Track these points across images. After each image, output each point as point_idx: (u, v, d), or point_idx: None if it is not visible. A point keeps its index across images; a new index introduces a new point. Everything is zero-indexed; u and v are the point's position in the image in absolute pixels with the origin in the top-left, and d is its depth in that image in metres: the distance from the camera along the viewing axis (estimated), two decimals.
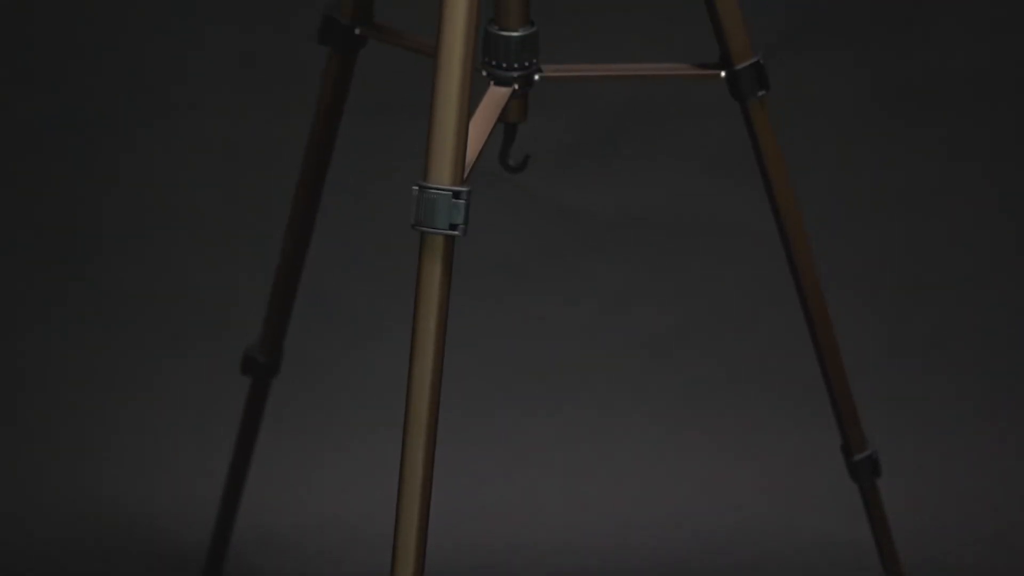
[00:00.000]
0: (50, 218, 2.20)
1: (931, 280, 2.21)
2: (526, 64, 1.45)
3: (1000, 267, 2.22)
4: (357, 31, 1.57)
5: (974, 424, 2.10)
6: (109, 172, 2.23)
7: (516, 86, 1.45)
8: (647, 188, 2.24)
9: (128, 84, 2.30)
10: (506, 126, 1.52)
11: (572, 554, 1.94)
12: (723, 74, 1.52)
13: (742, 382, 2.14)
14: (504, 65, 1.44)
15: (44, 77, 2.30)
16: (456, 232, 1.27)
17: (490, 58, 1.45)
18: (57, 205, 2.21)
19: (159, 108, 2.28)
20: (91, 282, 2.16)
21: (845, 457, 1.69)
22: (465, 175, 1.28)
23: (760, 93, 1.53)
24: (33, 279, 2.16)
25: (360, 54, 1.60)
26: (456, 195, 1.26)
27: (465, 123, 1.27)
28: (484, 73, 1.45)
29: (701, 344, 2.17)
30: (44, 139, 2.25)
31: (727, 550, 1.94)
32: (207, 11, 2.35)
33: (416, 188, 1.27)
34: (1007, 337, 2.18)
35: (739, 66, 1.51)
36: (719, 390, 2.13)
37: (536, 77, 1.46)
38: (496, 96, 1.43)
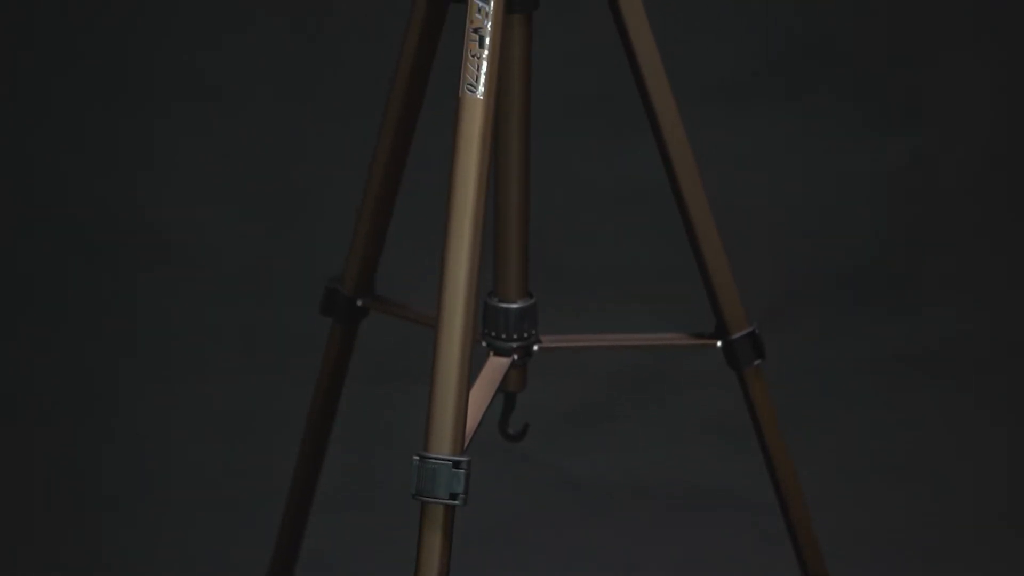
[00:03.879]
0: (48, 481, 2.20)
1: (930, 546, 2.20)
2: (525, 335, 1.47)
3: (1000, 533, 2.22)
4: (359, 303, 1.59)
5: None
6: (109, 437, 2.24)
7: (515, 356, 1.46)
8: (646, 455, 2.24)
9: (129, 352, 2.32)
10: (506, 395, 1.54)
11: None
12: (719, 344, 1.54)
13: None
14: (503, 336, 1.46)
15: (45, 339, 2.33)
16: (456, 501, 1.27)
17: (489, 329, 1.47)
18: (56, 468, 2.21)
19: (161, 374, 2.30)
20: (89, 545, 2.15)
21: None
22: (465, 444, 1.29)
23: (756, 362, 1.54)
24: (31, 541, 2.15)
25: (362, 322, 1.63)
26: (456, 465, 1.27)
27: (465, 394, 1.28)
28: (484, 344, 1.47)
29: None
30: (46, 399, 2.27)
31: None
32: (211, 281, 2.38)
33: (417, 458, 1.28)
34: None
35: (734, 336, 1.53)
36: None
37: (535, 348, 1.48)
38: (495, 366, 1.45)
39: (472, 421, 1.32)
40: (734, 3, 2.50)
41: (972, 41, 2.54)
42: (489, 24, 1.29)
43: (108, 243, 2.41)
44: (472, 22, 1.30)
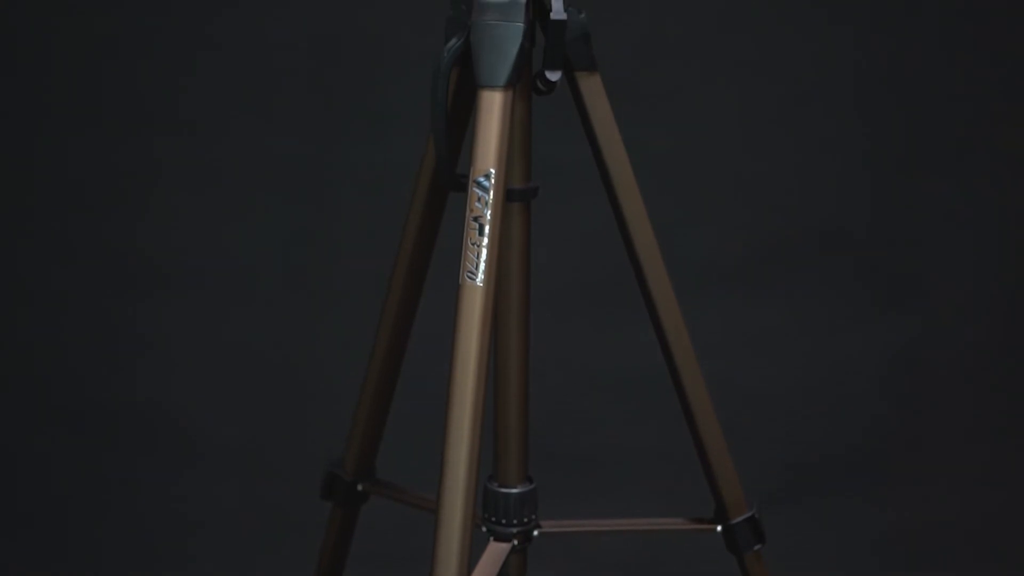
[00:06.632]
0: None
1: None
2: (525, 520, 1.47)
3: None
4: (360, 487, 1.59)
5: None
6: None
7: (515, 541, 1.46)
8: None
9: (130, 537, 2.32)
10: None
11: None
12: (719, 528, 1.54)
13: None
14: (503, 521, 1.46)
15: (46, 519, 2.32)
16: None
17: (489, 514, 1.47)
18: None
19: (162, 560, 2.29)
20: None
21: None
22: None
23: (756, 547, 1.54)
24: None
25: (362, 506, 1.63)
26: None
27: None
28: (484, 528, 1.47)
29: None
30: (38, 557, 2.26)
31: None
32: (211, 464, 2.38)
33: None
34: None
35: (734, 520, 1.53)
36: None
37: (535, 532, 1.48)
38: (496, 551, 1.45)
39: None
40: (730, 189, 2.53)
41: (967, 225, 2.56)
42: (488, 213, 1.31)
43: (106, 423, 2.42)
44: (472, 211, 1.32)
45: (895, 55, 2.53)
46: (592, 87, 1.42)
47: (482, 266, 1.31)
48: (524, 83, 1.38)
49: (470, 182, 1.33)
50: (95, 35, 2.46)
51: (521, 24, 1.35)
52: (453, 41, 1.36)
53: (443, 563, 1.28)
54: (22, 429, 2.42)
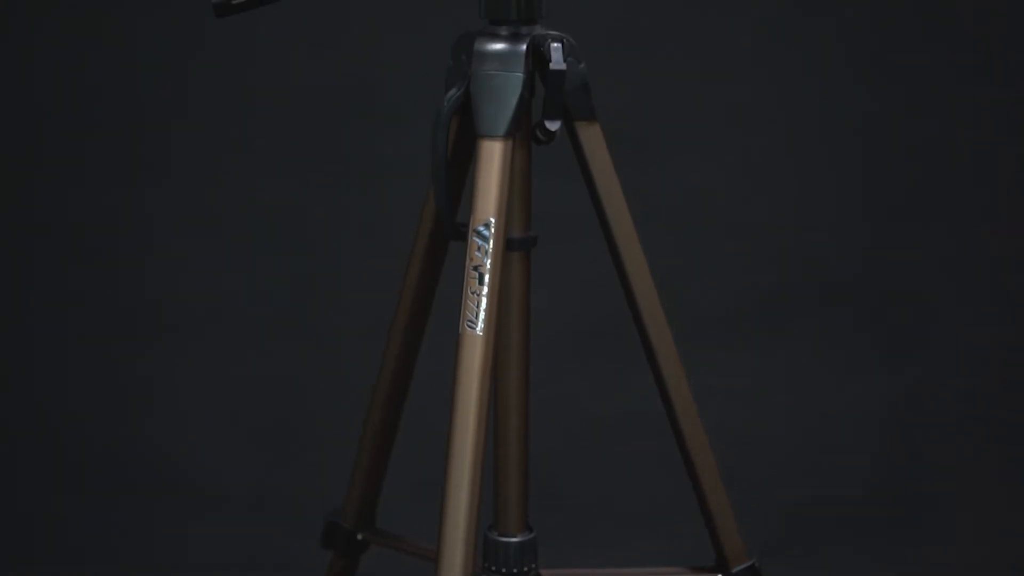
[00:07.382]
0: None
1: None
2: (525, 569, 1.47)
3: None
4: (360, 536, 1.59)
5: None
6: None
7: None
8: None
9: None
10: None
11: None
12: None
13: None
14: (503, 570, 1.46)
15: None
16: None
17: (489, 563, 1.47)
18: None
19: None
20: None
21: None
22: None
23: None
24: None
25: (362, 555, 1.62)
26: None
27: None
28: None
29: None
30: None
31: None
32: (210, 512, 2.38)
33: None
34: None
35: (735, 570, 1.53)
36: None
37: None
38: None
39: None
40: (729, 239, 2.54)
41: (965, 275, 2.57)
42: (488, 262, 1.32)
43: (110, 470, 2.42)
44: (472, 259, 1.33)
45: (893, 105, 2.54)
46: (592, 136, 1.43)
47: (482, 315, 1.31)
48: (524, 133, 1.39)
49: (470, 231, 1.33)
50: (94, 79, 2.47)
51: (521, 74, 1.36)
52: (453, 91, 1.37)
53: None
54: (26, 477, 2.42)
